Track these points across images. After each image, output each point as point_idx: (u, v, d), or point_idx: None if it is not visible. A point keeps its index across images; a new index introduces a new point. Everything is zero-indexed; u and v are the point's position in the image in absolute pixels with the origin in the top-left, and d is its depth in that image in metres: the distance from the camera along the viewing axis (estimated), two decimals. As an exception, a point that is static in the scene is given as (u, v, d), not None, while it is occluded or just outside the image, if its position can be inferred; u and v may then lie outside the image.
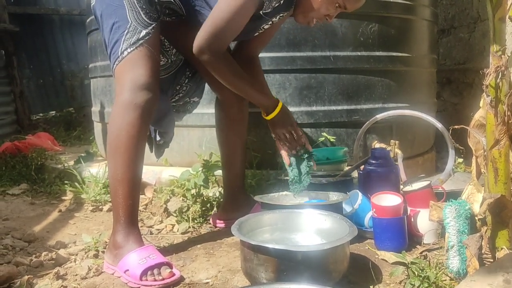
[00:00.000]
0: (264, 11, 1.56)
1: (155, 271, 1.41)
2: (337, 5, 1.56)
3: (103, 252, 1.70)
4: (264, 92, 1.70)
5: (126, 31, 1.51)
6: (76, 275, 1.51)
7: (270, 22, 1.64)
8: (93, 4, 1.61)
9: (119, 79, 1.54)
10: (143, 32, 1.52)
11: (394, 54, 2.46)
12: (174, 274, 1.42)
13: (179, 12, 1.66)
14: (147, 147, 1.64)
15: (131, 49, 1.51)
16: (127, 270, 1.44)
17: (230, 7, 1.47)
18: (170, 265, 1.46)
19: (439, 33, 3.76)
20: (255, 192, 2.06)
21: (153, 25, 1.54)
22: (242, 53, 1.85)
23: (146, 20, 1.53)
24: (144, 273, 1.40)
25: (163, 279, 1.40)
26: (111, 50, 1.55)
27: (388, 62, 2.44)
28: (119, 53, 1.52)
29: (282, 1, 1.54)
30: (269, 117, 1.67)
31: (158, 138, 1.86)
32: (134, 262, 1.43)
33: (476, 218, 1.41)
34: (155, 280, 1.40)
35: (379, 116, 2.23)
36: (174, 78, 1.80)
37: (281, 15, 1.63)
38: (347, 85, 2.35)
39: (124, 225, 1.51)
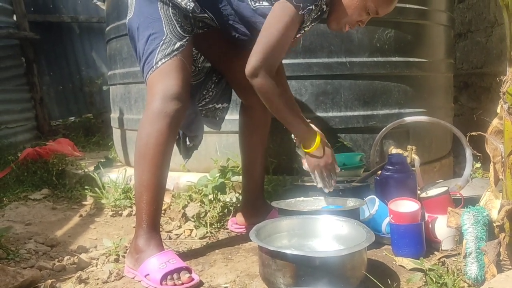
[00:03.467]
0: (304, 25, 1.59)
1: (175, 275, 1.44)
2: (369, 11, 1.59)
3: (123, 256, 1.74)
4: (306, 123, 1.68)
5: (162, 42, 1.57)
6: (98, 279, 1.55)
7: (303, 31, 1.66)
8: (130, 17, 1.66)
9: (151, 88, 1.59)
10: (178, 44, 1.58)
11: (411, 59, 2.46)
12: (193, 279, 1.45)
13: (212, 25, 1.71)
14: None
15: (166, 59, 1.57)
16: (148, 274, 1.47)
17: (279, 28, 1.52)
18: (189, 270, 1.48)
19: (456, 37, 3.74)
20: (272, 198, 2.07)
21: (187, 38, 1.60)
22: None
23: (181, 33, 1.59)
24: (164, 277, 1.43)
25: (182, 283, 1.43)
26: (145, 60, 1.61)
27: (405, 68, 2.44)
28: (154, 63, 1.58)
29: (320, 13, 1.58)
30: (306, 150, 1.69)
31: (188, 142, 1.92)
32: (155, 267, 1.46)
33: (494, 224, 1.40)
34: (174, 284, 1.43)
35: (397, 122, 2.23)
36: (201, 84, 1.86)
37: (313, 24, 1.65)
38: (363, 90, 2.36)
39: (146, 230, 1.55)
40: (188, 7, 1.58)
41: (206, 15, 1.65)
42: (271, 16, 1.54)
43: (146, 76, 1.61)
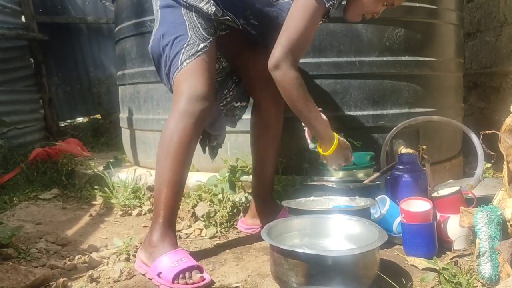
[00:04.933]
0: (329, 14, 1.63)
1: (187, 274, 1.45)
2: (385, 3, 1.67)
3: (134, 255, 1.74)
4: (326, 123, 1.71)
5: (186, 44, 1.61)
6: (109, 278, 1.55)
7: (321, 22, 1.68)
8: (156, 29, 1.70)
9: (177, 88, 1.63)
10: (201, 45, 1.62)
11: (420, 58, 2.44)
12: (204, 279, 1.45)
13: (234, 27, 1.74)
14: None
15: (190, 60, 1.60)
16: (160, 273, 1.47)
17: (303, 19, 1.55)
18: (200, 269, 1.49)
19: (465, 36, 3.71)
20: (281, 198, 2.07)
21: (210, 39, 1.64)
22: None
23: (204, 34, 1.63)
24: (176, 276, 1.44)
25: (193, 283, 1.43)
26: (171, 62, 1.64)
27: (414, 67, 2.43)
28: (179, 64, 1.61)
29: (340, 3, 1.63)
30: (325, 153, 1.73)
31: (212, 141, 1.96)
32: (167, 265, 1.47)
33: (508, 223, 1.39)
34: (186, 283, 1.43)
35: (407, 121, 2.22)
36: (223, 82, 1.88)
37: (331, 14, 1.68)
38: (373, 90, 2.35)
39: (162, 225, 1.57)
40: (210, 11, 1.62)
41: (228, 17, 1.67)
42: (296, 8, 1.56)
43: (172, 77, 1.65)
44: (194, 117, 1.57)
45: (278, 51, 1.55)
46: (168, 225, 1.58)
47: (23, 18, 4.78)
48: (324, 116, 1.75)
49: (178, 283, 1.43)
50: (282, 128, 1.96)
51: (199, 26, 1.63)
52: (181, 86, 1.61)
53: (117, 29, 2.96)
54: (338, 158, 1.74)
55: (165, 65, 1.68)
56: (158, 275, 1.48)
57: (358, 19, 1.71)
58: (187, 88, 1.59)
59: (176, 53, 1.62)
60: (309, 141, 1.76)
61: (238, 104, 1.95)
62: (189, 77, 1.60)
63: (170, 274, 1.44)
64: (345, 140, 1.79)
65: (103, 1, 4.91)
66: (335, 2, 1.56)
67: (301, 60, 2.26)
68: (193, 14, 1.63)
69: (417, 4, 2.42)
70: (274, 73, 1.57)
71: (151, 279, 1.50)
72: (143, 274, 1.54)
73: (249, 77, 1.86)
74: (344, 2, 1.68)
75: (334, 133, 1.72)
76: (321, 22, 1.66)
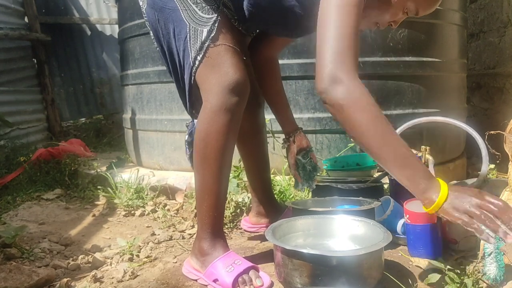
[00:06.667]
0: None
1: (246, 277, 1.38)
2: (407, 10, 1.32)
3: (137, 256, 1.74)
4: (422, 166, 1.14)
5: (188, 35, 1.39)
6: (113, 278, 1.55)
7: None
8: (145, 8, 1.50)
9: (203, 84, 1.42)
10: (205, 32, 1.38)
11: (424, 59, 2.44)
12: (263, 283, 1.38)
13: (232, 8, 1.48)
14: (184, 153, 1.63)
15: (200, 55, 1.39)
16: (217, 279, 1.40)
17: (343, 15, 1.15)
18: (256, 269, 1.43)
19: (468, 37, 3.71)
20: (285, 198, 2.07)
21: (213, 19, 1.39)
22: (264, 51, 1.74)
23: (204, 16, 1.39)
24: (235, 281, 1.37)
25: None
26: (183, 60, 1.45)
27: (418, 68, 2.43)
28: (192, 63, 1.41)
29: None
30: (433, 210, 1.13)
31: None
32: (222, 271, 1.39)
33: (514, 224, 1.38)
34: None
35: (411, 122, 2.21)
36: None
37: None
38: (376, 90, 2.34)
39: (211, 233, 1.47)
40: None
41: None
42: (326, 8, 1.17)
43: (191, 77, 1.44)
44: (229, 113, 1.37)
45: (326, 66, 1.12)
46: (217, 232, 1.48)
47: (26, 19, 4.79)
48: (305, 138, 1.66)
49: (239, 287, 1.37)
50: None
51: (195, 7, 1.39)
52: (207, 82, 1.39)
53: (120, 29, 2.97)
54: (461, 203, 1.11)
55: (167, 51, 1.48)
56: (215, 281, 1.41)
57: (372, 27, 1.37)
58: (216, 80, 1.36)
59: (184, 49, 1.42)
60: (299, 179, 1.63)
61: None
62: (212, 69, 1.37)
63: (228, 280, 1.36)
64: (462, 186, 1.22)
65: (106, 2, 4.92)
66: None
67: (305, 61, 2.28)
68: None
69: (420, 5, 2.41)
70: (333, 94, 1.11)
71: (206, 286, 1.44)
72: (196, 280, 1.49)
73: None
74: None
75: (438, 179, 1.15)
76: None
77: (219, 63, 1.38)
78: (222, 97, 1.36)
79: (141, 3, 1.53)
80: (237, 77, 1.37)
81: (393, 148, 1.12)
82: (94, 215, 2.37)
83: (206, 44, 1.38)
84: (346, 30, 1.13)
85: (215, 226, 1.47)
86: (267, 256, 1.64)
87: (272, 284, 1.41)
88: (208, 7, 1.40)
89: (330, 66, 1.11)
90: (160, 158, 2.75)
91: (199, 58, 1.39)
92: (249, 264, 1.42)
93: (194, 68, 1.41)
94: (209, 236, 1.47)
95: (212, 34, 1.38)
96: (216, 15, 1.40)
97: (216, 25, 1.39)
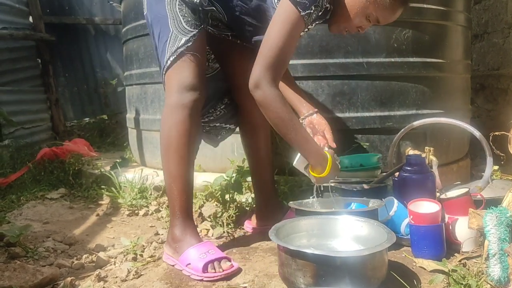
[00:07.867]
0: (307, 26, 1.53)
1: (216, 263, 1.51)
2: (370, 18, 1.53)
3: (141, 255, 1.75)
4: (316, 144, 1.59)
5: (168, 39, 1.59)
6: (116, 277, 1.55)
7: (306, 30, 1.64)
8: (145, 13, 1.71)
9: (167, 84, 1.64)
10: (183, 40, 1.58)
11: (428, 60, 2.44)
12: (233, 266, 1.51)
13: (223, 21, 1.69)
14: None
15: (173, 57, 1.59)
16: (189, 264, 1.53)
17: (280, 34, 1.44)
18: (229, 259, 1.55)
19: (472, 38, 3.70)
20: (288, 199, 2.07)
21: (193, 33, 1.60)
22: None
23: (187, 28, 1.59)
24: (205, 266, 1.49)
25: (223, 270, 1.49)
26: (160, 60, 1.65)
27: (422, 68, 2.42)
28: (165, 62, 1.61)
29: (320, 13, 1.52)
30: (318, 175, 1.59)
31: None
32: (195, 257, 1.52)
33: (518, 226, 1.38)
34: (215, 272, 1.48)
35: (416, 123, 2.21)
36: (209, 101, 1.79)
37: (317, 22, 1.64)
38: (380, 91, 2.34)
39: (181, 219, 1.61)
40: (195, 0, 1.59)
41: (214, 8, 1.63)
42: (273, 23, 1.47)
43: (163, 75, 1.65)
44: (187, 109, 1.57)
45: (256, 70, 1.45)
46: (186, 218, 1.61)
47: (30, 19, 4.80)
48: (323, 119, 1.73)
49: (207, 271, 1.48)
50: (270, 128, 1.88)
51: (181, 19, 1.59)
52: (171, 81, 1.61)
53: (124, 29, 2.98)
54: (331, 176, 1.61)
55: (156, 52, 1.68)
56: (187, 266, 1.53)
57: (343, 33, 1.61)
58: (176, 81, 1.59)
59: (162, 50, 1.62)
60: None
61: (227, 126, 1.91)
62: (177, 71, 1.59)
63: (199, 264, 1.49)
64: (335, 154, 1.64)
65: (110, 2, 4.93)
66: (311, 11, 1.44)
67: (309, 61, 2.28)
68: (177, 5, 1.59)
69: (425, 5, 2.42)
70: (254, 94, 1.46)
71: (181, 270, 1.55)
72: (173, 265, 1.60)
73: (235, 84, 1.82)
74: (329, 9, 1.56)
75: (325, 151, 1.60)
76: (302, 33, 1.57)
77: (183, 67, 1.59)
78: (180, 95, 1.58)
79: (143, 8, 1.72)
80: (193, 80, 1.59)
81: (301, 134, 1.51)
82: (98, 215, 2.38)
83: (180, 50, 1.58)
84: (280, 43, 1.43)
85: (184, 212, 1.61)
86: (269, 256, 1.65)
87: (240, 269, 1.53)
88: (193, 21, 1.61)
89: (257, 73, 1.44)
90: (163, 158, 2.75)
91: (171, 59, 1.59)
92: (223, 254, 1.55)
93: (165, 68, 1.61)
94: (179, 222, 1.61)
95: (189, 44, 1.59)
96: (197, 30, 1.61)
97: (195, 38, 1.60)
